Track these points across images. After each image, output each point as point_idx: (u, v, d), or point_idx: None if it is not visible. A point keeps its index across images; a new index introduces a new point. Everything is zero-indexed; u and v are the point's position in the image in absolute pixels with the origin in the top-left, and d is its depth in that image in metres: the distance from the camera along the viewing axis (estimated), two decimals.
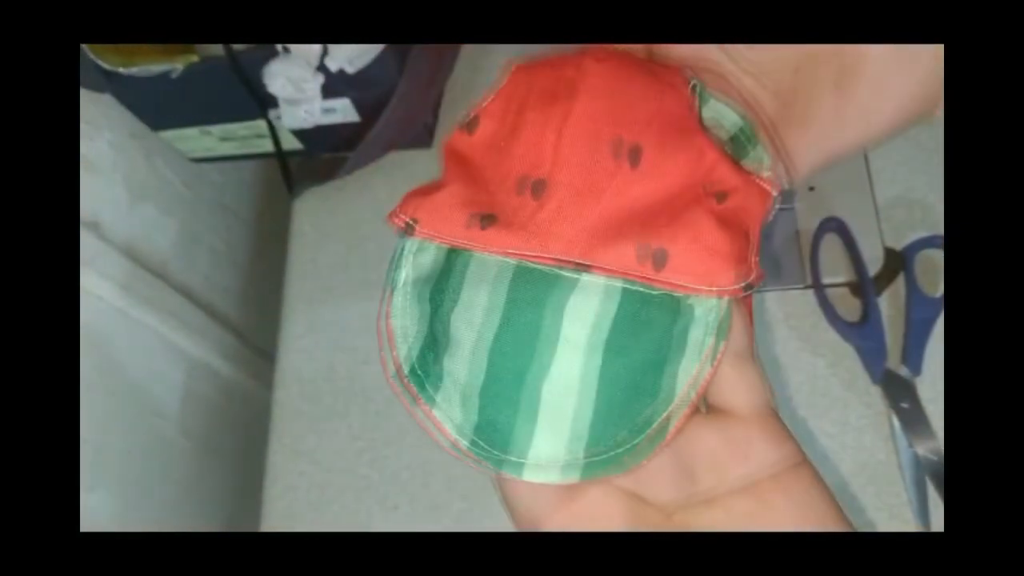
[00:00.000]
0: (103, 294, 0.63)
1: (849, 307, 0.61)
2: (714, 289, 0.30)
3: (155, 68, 0.63)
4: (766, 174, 0.33)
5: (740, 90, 0.35)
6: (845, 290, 0.62)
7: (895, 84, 0.32)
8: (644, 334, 0.30)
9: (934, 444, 0.55)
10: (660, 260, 0.30)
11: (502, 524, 0.35)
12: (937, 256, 0.60)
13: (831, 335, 0.60)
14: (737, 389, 0.30)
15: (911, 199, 0.64)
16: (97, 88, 0.64)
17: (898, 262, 0.60)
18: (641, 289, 0.30)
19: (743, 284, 0.30)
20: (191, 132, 0.71)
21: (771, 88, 0.35)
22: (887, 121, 0.33)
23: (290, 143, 0.71)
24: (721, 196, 0.31)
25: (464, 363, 0.32)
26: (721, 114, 0.34)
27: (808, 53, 0.33)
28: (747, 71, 0.35)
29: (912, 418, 0.57)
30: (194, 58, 0.63)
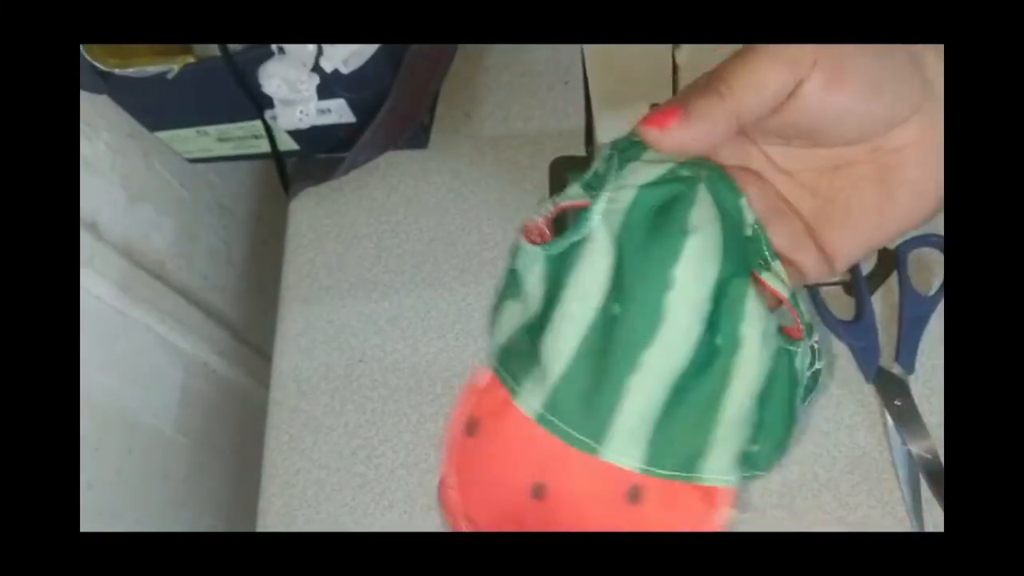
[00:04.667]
0: (101, 294, 0.63)
1: (842, 306, 0.61)
2: None
3: (151, 69, 0.63)
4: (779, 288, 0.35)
5: (777, 187, 0.36)
6: (838, 289, 0.62)
7: (927, 181, 0.33)
8: None
9: (927, 442, 0.56)
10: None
11: None
12: (930, 254, 0.61)
13: (825, 333, 0.61)
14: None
15: None
16: (94, 89, 0.64)
17: (891, 261, 0.60)
18: None
19: None
20: (188, 133, 0.71)
21: (809, 186, 0.36)
22: (926, 212, 0.35)
23: (286, 144, 0.71)
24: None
25: None
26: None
27: (843, 154, 0.34)
28: (783, 170, 0.36)
29: (905, 416, 0.57)
30: (190, 59, 0.63)
